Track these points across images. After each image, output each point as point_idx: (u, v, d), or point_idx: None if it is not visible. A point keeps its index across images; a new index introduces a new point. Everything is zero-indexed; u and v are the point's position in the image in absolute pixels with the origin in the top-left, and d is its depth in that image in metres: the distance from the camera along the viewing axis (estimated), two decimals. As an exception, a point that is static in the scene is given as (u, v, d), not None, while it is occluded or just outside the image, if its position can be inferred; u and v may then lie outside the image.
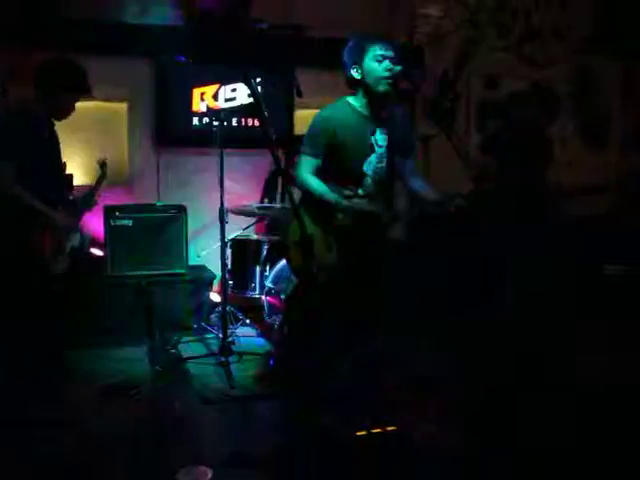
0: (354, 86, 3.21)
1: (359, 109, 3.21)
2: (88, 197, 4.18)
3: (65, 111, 3.90)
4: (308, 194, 3.20)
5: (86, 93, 3.89)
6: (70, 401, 3.67)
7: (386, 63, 3.08)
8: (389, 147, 3.23)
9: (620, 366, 4.10)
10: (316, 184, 3.17)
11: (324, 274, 3.04)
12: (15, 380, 3.64)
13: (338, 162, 3.19)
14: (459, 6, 6.45)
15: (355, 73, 3.15)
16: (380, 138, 3.22)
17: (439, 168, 5.19)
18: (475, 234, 4.87)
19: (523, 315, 4.49)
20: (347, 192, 3.23)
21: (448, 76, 6.41)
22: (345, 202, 3.15)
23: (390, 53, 3.10)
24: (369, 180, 3.23)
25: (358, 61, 3.13)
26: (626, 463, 2.95)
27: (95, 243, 5.20)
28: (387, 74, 3.07)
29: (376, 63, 3.09)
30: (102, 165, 4.33)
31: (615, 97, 7.20)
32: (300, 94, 4.32)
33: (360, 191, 3.23)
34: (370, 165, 3.21)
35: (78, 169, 5.23)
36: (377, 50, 3.09)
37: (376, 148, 3.21)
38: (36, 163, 3.69)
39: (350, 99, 3.24)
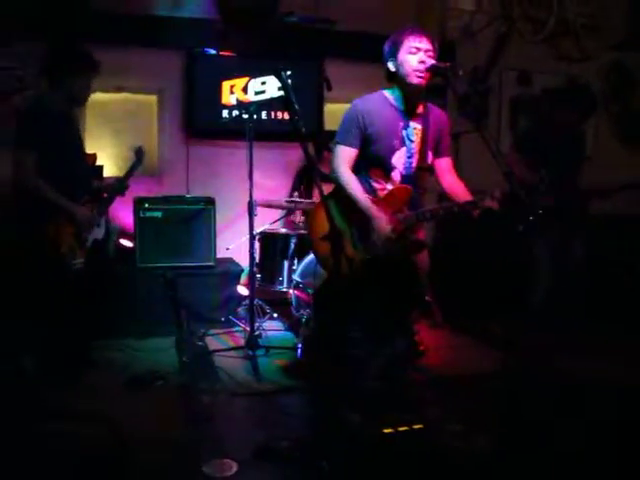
0: (391, 79, 3.18)
1: (393, 102, 3.19)
2: (119, 183, 4.19)
3: (82, 95, 3.90)
4: (341, 188, 3.18)
5: (95, 71, 3.86)
6: (96, 391, 3.69)
7: (420, 55, 3.04)
8: (422, 143, 3.19)
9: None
10: (348, 178, 3.15)
11: (353, 268, 3.02)
12: (42, 371, 3.67)
13: (368, 153, 3.17)
14: (492, 0, 6.36)
15: (391, 65, 3.13)
16: (412, 133, 3.19)
17: (470, 165, 5.13)
18: (501, 238, 4.84)
19: (552, 319, 4.43)
20: (377, 185, 3.20)
21: (480, 72, 6.34)
22: (370, 205, 3.12)
23: (425, 45, 3.06)
24: (398, 175, 3.20)
25: (394, 53, 3.11)
26: None
27: (124, 234, 5.23)
28: (419, 66, 3.03)
29: (410, 55, 3.06)
30: (137, 152, 4.32)
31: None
32: (330, 87, 4.31)
33: (389, 186, 3.20)
34: (400, 159, 3.18)
35: (108, 160, 5.29)
36: (412, 42, 3.06)
37: (407, 142, 3.18)
38: (55, 154, 3.71)
39: (387, 91, 3.22)
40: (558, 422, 3.29)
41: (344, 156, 3.17)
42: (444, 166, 3.35)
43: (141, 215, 4.99)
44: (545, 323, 4.39)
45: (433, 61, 3.04)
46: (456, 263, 5.40)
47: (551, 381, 3.83)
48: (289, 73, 5.42)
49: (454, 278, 5.27)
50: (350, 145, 3.16)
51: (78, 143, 4.04)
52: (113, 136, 5.44)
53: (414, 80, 3.07)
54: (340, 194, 3.19)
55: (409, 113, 3.20)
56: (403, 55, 3.07)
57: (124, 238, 5.21)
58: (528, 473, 2.85)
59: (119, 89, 5.46)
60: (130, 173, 4.22)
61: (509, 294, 4.89)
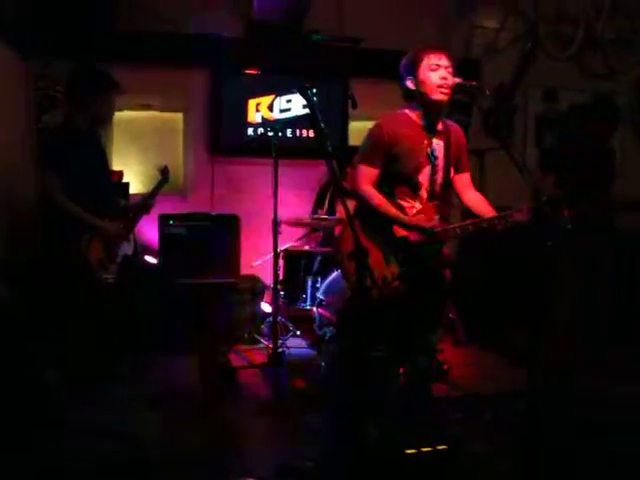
0: (410, 97, 3.19)
1: (415, 120, 3.19)
2: (144, 201, 4.23)
3: (105, 115, 3.96)
4: (365, 205, 3.17)
5: (117, 91, 3.92)
6: (119, 407, 3.70)
7: (441, 72, 3.06)
8: (445, 159, 3.19)
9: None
10: (375, 197, 3.15)
11: (378, 287, 3.01)
12: (67, 384, 3.70)
13: (394, 172, 3.17)
14: (517, 18, 6.35)
15: (410, 84, 3.14)
16: (436, 150, 3.19)
17: (495, 182, 5.11)
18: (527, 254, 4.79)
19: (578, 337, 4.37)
20: (404, 203, 3.20)
21: (505, 89, 6.32)
22: (404, 217, 3.12)
23: (445, 62, 3.08)
24: (425, 192, 3.19)
25: (413, 71, 3.12)
26: None
27: (149, 251, 5.26)
28: (442, 82, 3.05)
29: (430, 72, 3.07)
30: (163, 171, 4.36)
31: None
32: (355, 105, 4.30)
33: (417, 204, 3.20)
34: (425, 176, 3.18)
35: (135, 177, 5.33)
36: (431, 59, 3.08)
37: (432, 159, 3.17)
38: (80, 172, 3.76)
39: (407, 110, 3.22)
40: (580, 446, 3.23)
41: (367, 176, 3.17)
42: (465, 182, 3.36)
43: (166, 232, 5.02)
44: (571, 341, 4.32)
45: (453, 77, 3.05)
46: (480, 279, 5.35)
47: (574, 402, 3.77)
48: (315, 91, 5.52)
49: (478, 295, 5.22)
50: (373, 165, 3.16)
51: (103, 161, 4.09)
52: (139, 154, 5.49)
53: (438, 97, 3.07)
54: (366, 212, 3.18)
55: (432, 130, 3.20)
56: (424, 72, 3.09)
57: (149, 254, 5.24)
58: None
59: (146, 107, 5.52)
60: (156, 192, 4.27)
61: (534, 311, 4.83)
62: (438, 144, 3.21)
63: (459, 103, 5.56)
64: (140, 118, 5.56)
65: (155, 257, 5.14)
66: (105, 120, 4.02)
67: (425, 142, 3.17)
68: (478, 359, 4.87)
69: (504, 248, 5.08)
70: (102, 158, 4.11)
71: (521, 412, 3.63)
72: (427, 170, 3.18)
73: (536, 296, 4.88)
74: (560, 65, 6.39)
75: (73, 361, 3.81)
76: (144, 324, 4.56)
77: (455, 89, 3.08)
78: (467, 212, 3.39)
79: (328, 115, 5.55)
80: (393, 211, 3.14)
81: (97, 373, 3.87)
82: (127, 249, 4.05)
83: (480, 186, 3.40)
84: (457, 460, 2.98)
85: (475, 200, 3.32)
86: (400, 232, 3.15)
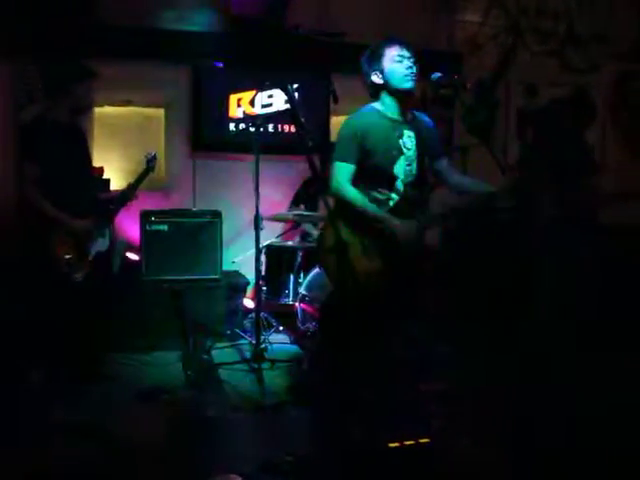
0: (377, 92, 3.21)
1: (385, 113, 3.20)
2: (129, 190, 4.17)
3: (83, 105, 3.91)
4: (343, 202, 3.17)
5: (92, 76, 3.87)
6: (102, 405, 3.68)
7: (406, 62, 3.12)
8: (418, 149, 3.21)
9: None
10: (353, 193, 3.15)
11: (359, 281, 3.02)
12: (48, 383, 3.67)
13: (369, 166, 3.18)
14: (499, 12, 6.36)
15: (376, 78, 3.16)
16: (408, 141, 3.20)
17: (477, 177, 5.11)
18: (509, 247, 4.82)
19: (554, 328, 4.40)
20: (381, 196, 3.19)
21: (487, 83, 6.33)
22: (383, 213, 3.12)
23: (407, 53, 3.13)
24: (400, 183, 3.19)
25: (378, 66, 3.15)
26: None
27: (131, 248, 5.23)
28: (408, 71, 3.11)
29: (396, 64, 3.12)
30: (150, 159, 4.30)
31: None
32: (336, 100, 4.30)
33: (394, 195, 3.19)
34: (400, 168, 3.18)
35: (116, 174, 5.30)
36: (395, 51, 3.13)
37: (404, 150, 3.19)
38: (59, 166, 3.72)
39: (376, 104, 3.24)
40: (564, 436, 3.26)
41: (344, 173, 3.17)
42: (445, 166, 3.38)
43: (147, 228, 4.98)
44: (550, 332, 4.35)
45: (415, 68, 3.11)
46: (462, 273, 5.36)
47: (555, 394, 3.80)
48: (295, 86, 5.53)
49: (461, 287, 5.24)
50: (348, 161, 3.16)
51: (83, 155, 4.04)
52: (121, 150, 5.45)
53: (407, 85, 3.12)
54: (346, 208, 3.18)
55: (402, 121, 3.21)
56: (388, 65, 3.12)
57: (130, 251, 5.21)
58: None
59: (127, 103, 5.48)
60: (140, 180, 4.20)
61: (516, 303, 4.86)
62: (409, 135, 3.22)
63: (442, 97, 5.57)
64: (121, 114, 5.52)
65: (137, 254, 5.11)
66: (84, 110, 3.97)
67: (396, 134, 3.18)
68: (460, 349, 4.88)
69: (488, 240, 5.10)
70: (83, 152, 4.06)
71: (501, 405, 3.69)
72: (401, 161, 3.18)
73: (518, 289, 4.92)
74: (541, 60, 6.41)
75: (54, 360, 3.78)
76: (119, 322, 4.54)
77: (437, 83, 3.09)
78: (458, 192, 3.37)
79: (310, 110, 5.56)
80: (375, 212, 3.14)
81: (78, 372, 3.84)
82: (101, 246, 4.00)
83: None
84: (440, 453, 2.99)
85: (459, 181, 3.34)
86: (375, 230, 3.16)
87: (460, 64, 6.10)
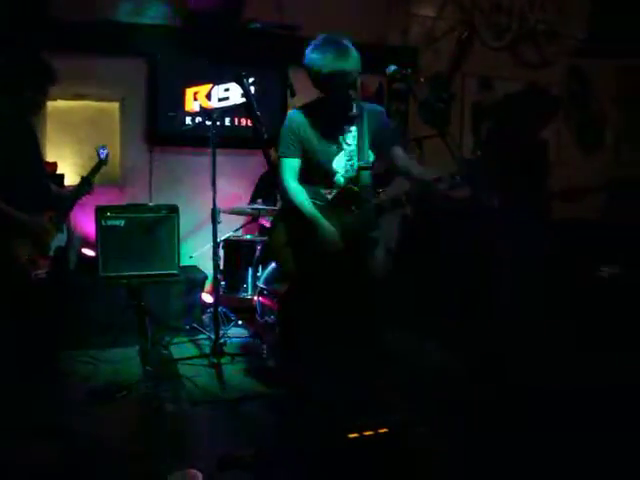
0: (320, 87, 3.16)
1: (327, 108, 3.19)
2: (81, 186, 4.10)
3: (37, 103, 3.83)
4: (289, 201, 3.17)
5: (52, 80, 3.78)
6: (59, 403, 3.63)
7: (340, 68, 3.01)
8: (361, 142, 3.19)
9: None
10: (294, 190, 3.14)
11: (314, 274, 3.05)
12: (6, 383, 3.60)
13: (308, 161, 3.18)
14: (454, 7, 6.44)
15: (320, 74, 3.10)
16: (349, 136, 3.19)
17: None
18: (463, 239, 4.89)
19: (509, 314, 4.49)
20: (322, 190, 3.20)
21: (442, 77, 6.40)
22: (317, 216, 3.10)
23: (354, 53, 3.03)
24: (341, 178, 3.20)
25: (322, 62, 3.07)
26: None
27: (87, 244, 5.17)
28: (343, 81, 3.02)
29: (340, 62, 3.02)
30: (101, 152, 4.23)
31: (609, 99, 7.22)
32: (293, 94, 4.29)
33: (334, 190, 3.20)
34: (340, 163, 3.19)
35: (69, 169, 5.22)
36: (340, 50, 3.03)
37: (344, 146, 3.18)
38: (10, 164, 3.64)
39: (321, 99, 3.21)
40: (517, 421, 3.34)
41: (288, 167, 3.17)
42: (397, 154, 3.30)
43: (103, 224, 4.93)
44: (506, 324, 4.44)
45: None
46: (419, 265, 5.43)
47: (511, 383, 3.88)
48: (251, 80, 5.52)
49: (418, 279, 5.30)
50: (291, 156, 3.16)
51: (36, 152, 3.96)
52: (74, 144, 5.36)
53: (346, 88, 3.05)
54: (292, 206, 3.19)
55: (344, 117, 3.19)
56: (332, 63, 3.02)
57: (86, 247, 5.14)
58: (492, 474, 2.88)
59: (80, 97, 5.39)
60: (94, 172, 4.13)
61: (471, 295, 4.94)
62: (351, 130, 3.19)
63: (397, 91, 5.62)
64: (75, 108, 5.44)
65: (93, 250, 5.05)
66: (36, 110, 3.89)
67: (337, 129, 3.18)
68: (418, 345, 4.94)
69: (443, 233, 5.17)
70: (36, 149, 3.98)
71: (458, 396, 3.75)
72: (341, 157, 3.18)
73: (471, 282, 5.00)
74: (496, 55, 6.51)
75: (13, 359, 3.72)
76: (75, 319, 4.48)
77: (391, 77, 3.09)
78: (409, 179, 3.36)
79: (267, 104, 5.56)
80: (310, 212, 3.11)
81: (36, 370, 3.78)
82: (60, 240, 3.94)
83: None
84: (399, 443, 3.03)
85: (408, 167, 3.26)
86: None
87: (415, 58, 6.16)
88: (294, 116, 3.20)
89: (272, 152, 2.84)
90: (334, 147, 3.17)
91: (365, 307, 3.31)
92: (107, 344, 4.62)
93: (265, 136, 2.76)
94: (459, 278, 5.15)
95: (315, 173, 3.19)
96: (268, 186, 5.39)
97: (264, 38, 5.61)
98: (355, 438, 2.95)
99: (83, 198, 4.10)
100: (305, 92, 4.58)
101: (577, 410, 3.51)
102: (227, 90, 5.65)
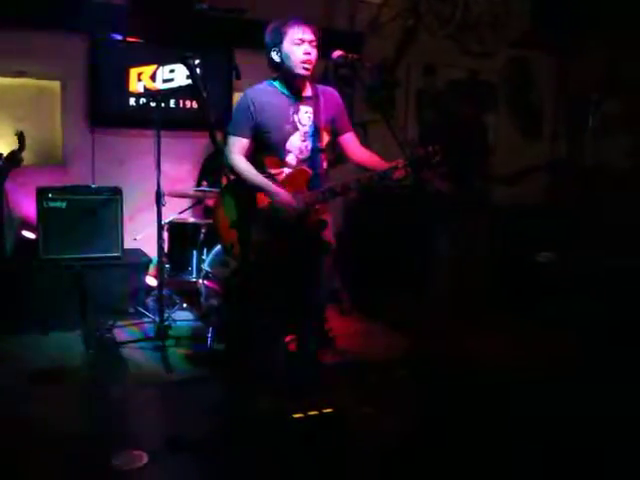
0: (275, 68, 3.22)
1: (281, 89, 3.23)
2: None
3: None
4: (237, 176, 3.19)
5: None
6: (2, 386, 3.58)
7: (305, 46, 3.09)
8: (314, 125, 3.23)
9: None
10: (244, 165, 3.18)
11: (259, 255, 3.07)
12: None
13: (261, 141, 3.21)
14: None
15: (275, 56, 3.16)
16: (304, 117, 3.23)
17: (377, 153, 5.23)
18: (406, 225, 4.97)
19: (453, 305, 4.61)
20: (273, 171, 3.23)
21: (387, 63, 6.46)
22: (270, 185, 3.15)
23: (309, 36, 3.10)
24: (294, 158, 3.23)
25: (278, 44, 3.13)
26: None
27: (27, 226, 5.06)
28: (305, 57, 3.09)
29: (294, 46, 3.09)
30: (19, 137, 4.21)
31: (548, 90, 7.41)
32: (239, 76, 4.28)
33: (286, 170, 3.23)
34: (294, 143, 3.22)
35: (8, 148, 5.06)
36: (295, 33, 3.09)
37: (299, 126, 3.22)
38: None
39: (273, 80, 3.26)
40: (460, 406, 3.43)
41: (237, 146, 3.20)
42: (349, 141, 3.38)
43: (44, 206, 4.82)
44: (446, 308, 4.55)
45: (316, 52, 3.10)
46: (362, 250, 5.50)
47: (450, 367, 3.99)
48: (197, 61, 5.46)
49: (361, 265, 5.37)
50: (242, 135, 3.19)
51: None
52: (13, 124, 5.21)
53: (301, 72, 3.12)
54: (238, 182, 3.21)
55: (298, 97, 3.23)
56: (288, 46, 3.10)
57: (26, 229, 5.04)
58: (438, 454, 2.96)
59: (19, 74, 5.24)
60: (12, 157, 4.10)
61: (412, 280, 5.04)
62: (307, 111, 3.24)
63: (342, 76, 5.64)
64: (13, 85, 5.28)
65: (33, 232, 4.95)
66: None
67: (291, 109, 3.21)
68: (363, 328, 5.02)
69: (387, 216, 5.24)
70: None
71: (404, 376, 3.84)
72: (295, 137, 3.21)
73: (416, 264, 5.10)
74: (440, 43, 6.59)
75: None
76: (14, 303, 4.40)
77: (337, 62, 3.12)
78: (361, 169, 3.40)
79: (213, 86, 5.47)
80: (262, 182, 3.15)
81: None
82: None
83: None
84: (343, 423, 3.09)
85: (363, 157, 3.35)
86: (265, 201, 3.19)
87: (361, 44, 6.19)
88: (250, 94, 3.22)
89: (218, 134, 2.84)
90: (288, 127, 3.19)
91: (314, 286, 3.35)
92: (48, 328, 4.55)
93: (210, 118, 2.75)
94: (400, 262, 5.25)
95: (268, 153, 3.22)
96: (214, 169, 5.37)
97: (210, 20, 5.55)
98: (300, 418, 3.00)
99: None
100: (250, 74, 4.60)
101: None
102: (172, 71, 5.58)
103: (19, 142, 4.30)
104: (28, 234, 5.01)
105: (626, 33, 6.27)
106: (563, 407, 3.45)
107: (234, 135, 3.21)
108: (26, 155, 4.55)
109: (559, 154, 7.17)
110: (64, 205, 4.87)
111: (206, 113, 2.77)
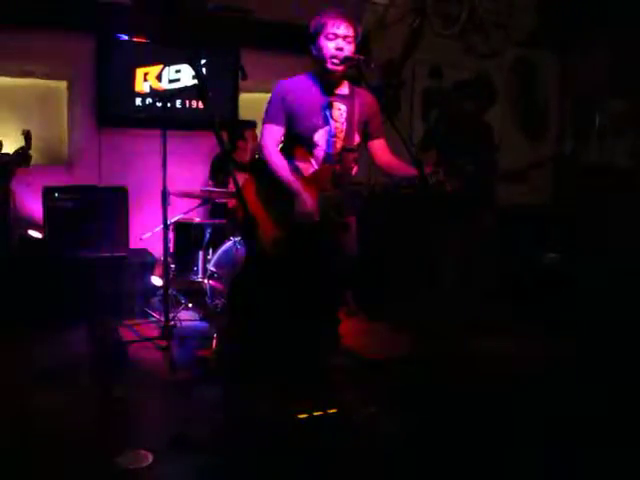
0: (314, 61, 3.19)
1: (315, 82, 3.21)
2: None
3: None
4: (266, 166, 3.17)
5: None
6: (4, 387, 3.58)
7: (338, 41, 3.06)
8: (347, 124, 3.20)
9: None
10: (275, 157, 3.15)
11: (271, 256, 3.06)
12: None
13: (291, 131, 3.19)
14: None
15: (313, 50, 3.15)
16: (336, 114, 3.19)
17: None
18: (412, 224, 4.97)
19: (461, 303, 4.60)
20: (301, 164, 3.21)
21: (394, 64, 6.46)
22: (296, 186, 3.12)
23: (343, 31, 3.07)
24: (322, 153, 3.21)
25: (315, 38, 3.12)
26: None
27: (33, 225, 5.08)
28: (335, 52, 3.06)
29: (327, 40, 3.07)
30: (26, 136, 4.23)
31: (553, 90, 7.40)
32: (245, 76, 4.29)
33: (312, 161, 3.21)
34: (322, 137, 3.18)
35: (16, 147, 5.09)
36: (330, 27, 3.07)
37: (330, 121, 3.18)
38: None
39: (310, 73, 3.24)
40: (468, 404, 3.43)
41: (271, 134, 3.18)
42: (378, 147, 3.36)
43: (51, 205, 4.85)
44: (454, 306, 4.55)
45: (351, 47, 3.08)
46: (368, 250, 5.48)
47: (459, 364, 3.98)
48: (203, 62, 5.48)
49: (367, 265, 5.37)
50: (275, 123, 3.17)
51: None
52: (21, 123, 5.24)
53: (329, 66, 3.10)
54: (263, 175, 3.20)
55: (331, 93, 3.20)
56: (322, 40, 3.09)
57: (33, 229, 5.06)
58: (441, 454, 2.96)
59: (27, 74, 5.28)
60: (19, 154, 4.12)
61: (420, 280, 5.03)
62: (340, 108, 3.20)
63: (349, 77, 5.65)
64: (21, 85, 5.32)
65: (39, 231, 4.97)
66: None
67: (322, 103, 3.17)
68: (368, 327, 5.02)
69: (391, 218, 5.24)
70: None
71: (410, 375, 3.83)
72: (324, 131, 3.17)
73: (423, 263, 5.10)
74: (446, 43, 6.59)
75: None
76: (19, 301, 4.42)
77: (344, 62, 3.11)
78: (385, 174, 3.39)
79: (219, 86, 5.54)
80: (288, 180, 3.11)
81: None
82: None
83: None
84: (348, 423, 3.09)
85: (391, 163, 3.31)
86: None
87: (367, 44, 6.19)
88: (286, 83, 3.20)
89: (224, 135, 2.85)
90: (318, 120, 3.16)
91: (326, 290, 3.33)
92: (55, 326, 4.56)
93: (216, 119, 2.76)
94: (410, 262, 5.24)
95: (296, 144, 3.20)
96: (221, 169, 5.38)
97: (217, 20, 5.56)
98: (304, 418, 3.00)
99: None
100: (256, 75, 4.62)
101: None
102: (178, 72, 5.60)
103: (26, 141, 4.34)
104: (35, 233, 5.03)
105: (631, 32, 6.25)
106: (563, 407, 3.44)
107: (268, 123, 3.18)
108: (33, 155, 4.57)
109: (564, 153, 7.17)
110: (71, 205, 4.89)
111: (211, 113, 2.77)
